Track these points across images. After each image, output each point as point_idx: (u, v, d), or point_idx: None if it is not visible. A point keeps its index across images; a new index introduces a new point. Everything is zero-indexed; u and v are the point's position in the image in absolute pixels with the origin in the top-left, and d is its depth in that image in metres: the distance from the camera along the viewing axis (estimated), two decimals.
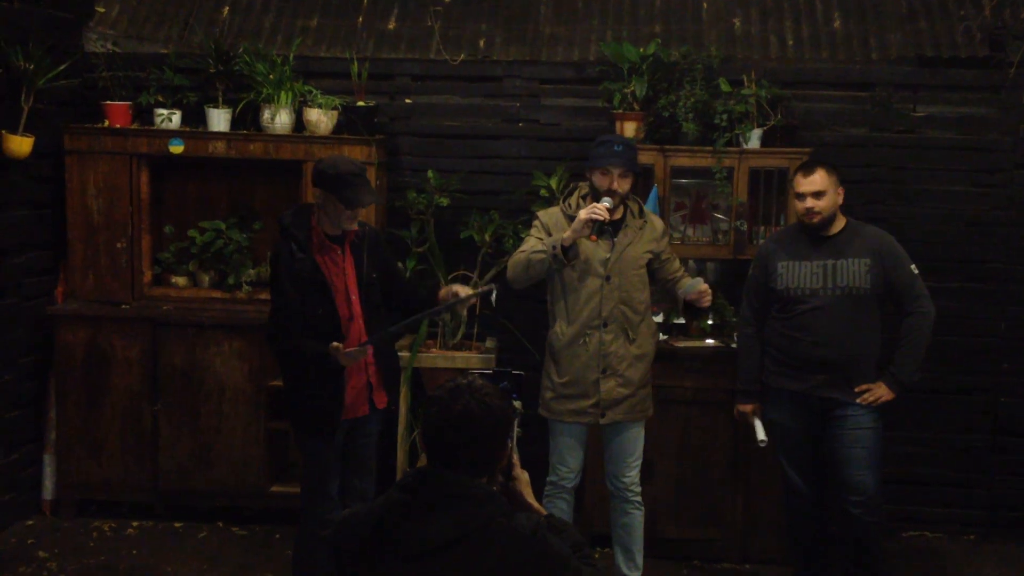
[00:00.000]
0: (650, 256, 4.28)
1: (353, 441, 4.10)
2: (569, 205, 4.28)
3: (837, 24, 5.37)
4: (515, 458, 2.70)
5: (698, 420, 4.95)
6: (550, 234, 4.23)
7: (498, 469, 2.49)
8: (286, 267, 3.88)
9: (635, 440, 4.34)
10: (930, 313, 4.34)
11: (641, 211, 4.31)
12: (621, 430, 4.30)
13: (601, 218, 4.01)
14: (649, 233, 4.28)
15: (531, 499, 2.64)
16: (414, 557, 2.31)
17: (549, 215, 4.31)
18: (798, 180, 4.36)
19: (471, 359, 4.94)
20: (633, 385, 4.25)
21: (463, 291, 4.02)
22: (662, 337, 5.04)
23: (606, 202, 4.07)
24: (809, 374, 4.35)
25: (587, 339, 4.20)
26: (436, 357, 4.97)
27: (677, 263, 4.41)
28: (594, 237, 4.06)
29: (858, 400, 4.30)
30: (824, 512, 4.56)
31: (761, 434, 4.46)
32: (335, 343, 3.83)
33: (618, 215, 4.21)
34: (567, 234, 4.07)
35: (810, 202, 4.29)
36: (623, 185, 4.15)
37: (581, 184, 4.36)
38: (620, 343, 4.21)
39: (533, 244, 4.21)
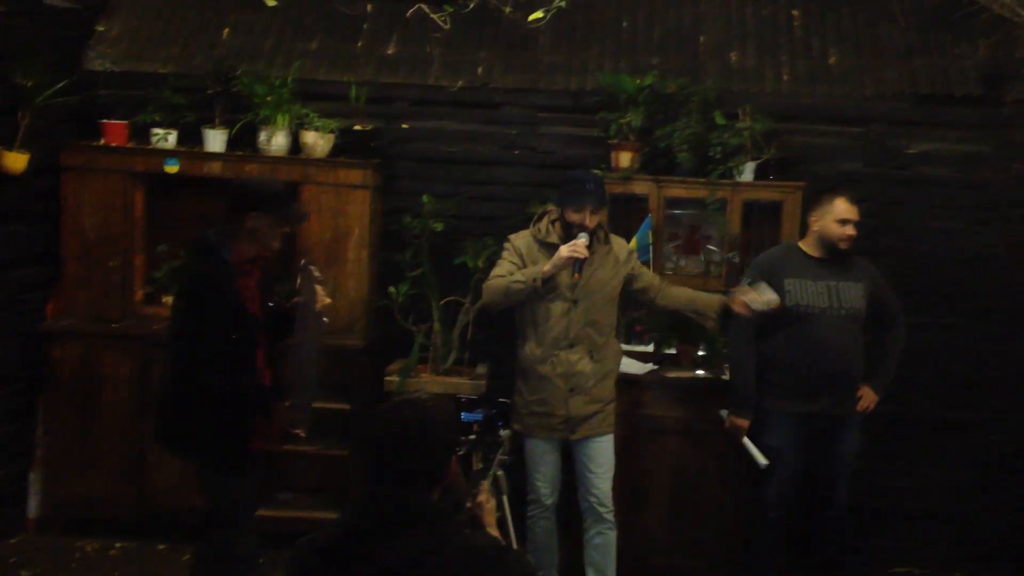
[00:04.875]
0: (620, 280, 4.41)
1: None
2: (539, 230, 4.41)
3: (833, 60, 5.40)
4: (484, 485, 2.73)
5: (689, 450, 4.94)
6: (522, 258, 4.37)
7: (447, 483, 2.49)
8: (218, 293, 3.70)
9: (604, 451, 4.42)
10: (904, 326, 4.73)
11: (607, 237, 4.43)
12: (590, 443, 4.40)
13: (582, 256, 4.17)
14: (614, 258, 4.41)
15: (492, 528, 2.66)
16: None
17: (522, 239, 4.44)
18: (844, 206, 4.50)
19: (462, 385, 4.93)
20: (601, 402, 4.40)
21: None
22: (653, 367, 5.05)
23: (583, 238, 4.21)
24: (821, 394, 4.49)
25: (554, 359, 4.32)
26: (427, 382, 4.96)
27: (648, 270, 4.57)
28: (576, 275, 4.22)
29: (857, 408, 4.56)
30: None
31: (762, 458, 4.51)
32: (285, 403, 3.81)
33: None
34: (547, 268, 4.23)
35: (851, 229, 4.50)
36: (594, 220, 4.29)
37: (550, 208, 4.49)
38: (585, 363, 4.33)
39: (508, 269, 4.35)
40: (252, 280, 3.88)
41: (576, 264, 4.19)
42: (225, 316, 3.72)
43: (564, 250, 4.19)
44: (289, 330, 3.95)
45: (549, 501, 4.46)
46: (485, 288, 4.39)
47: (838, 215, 4.50)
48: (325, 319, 4.02)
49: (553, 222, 4.40)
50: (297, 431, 3.93)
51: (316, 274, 3.91)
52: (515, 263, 4.37)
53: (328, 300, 3.98)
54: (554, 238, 4.35)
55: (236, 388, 3.76)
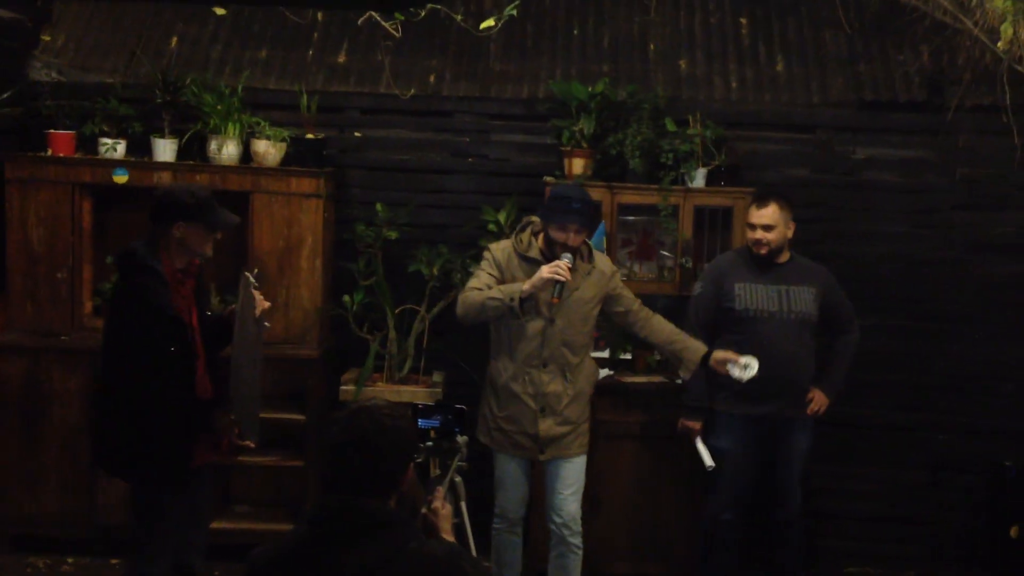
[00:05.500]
0: (599, 301, 4.27)
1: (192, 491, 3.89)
2: (520, 241, 4.26)
3: (780, 67, 5.48)
4: (439, 491, 2.74)
5: (646, 455, 4.97)
6: (501, 270, 4.22)
7: (403, 490, 2.49)
8: (152, 306, 3.62)
9: (574, 473, 4.32)
10: (858, 331, 4.81)
11: (591, 255, 4.29)
12: (560, 464, 4.30)
13: (563, 279, 4.01)
14: (597, 277, 4.26)
15: (447, 535, 2.66)
16: None
17: (500, 249, 4.28)
18: (751, 211, 4.58)
19: (417, 393, 4.91)
20: (571, 424, 4.26)
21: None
22: (609, 372, 5.07)
23: (567, 259, 4.05)
24: (770, 397, 4.53)
25: (526, 378, 4.21)
26: (383, 391, 4.94)
27: (631, 296, 4.38)
28: (556, 299, 4.06)
29: (808, 411, 4.61)
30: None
31: (708, 459, 4.54)
32: (230, 415, 3.73)
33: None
34: (525, 287, 4.05)
35: (759, 234, 4.53)
36: (578, 240, 4.14)
37: (533, 220, 4.32)
38: (557, 383, 4.22)
39: (486, 281, 4.19)
40: (186, 290, 3.79)
41: (556, 287, 4.04)
42: (161, 329, 3.63)
43: (545, 271, 4.02)
44: (228, 338, 3.89)
45: (514, 516, 4.37)
46: (461, 300, 4.21)
47: (747, 220, 4.61)
48: (267, 324, 3.97)
49: (536, 234, 4.25)
50: (246, 442, 3.87)
51: (252, 280, 3.85)
52: (493, 275, 4.21)
53: (267, 304, 3.91)
54: (535, 252, 4.20)
55: (175, 404, 3.65)
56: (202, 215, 3.72)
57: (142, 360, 3.61)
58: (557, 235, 4.12)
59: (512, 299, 4.05)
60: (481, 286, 4.17)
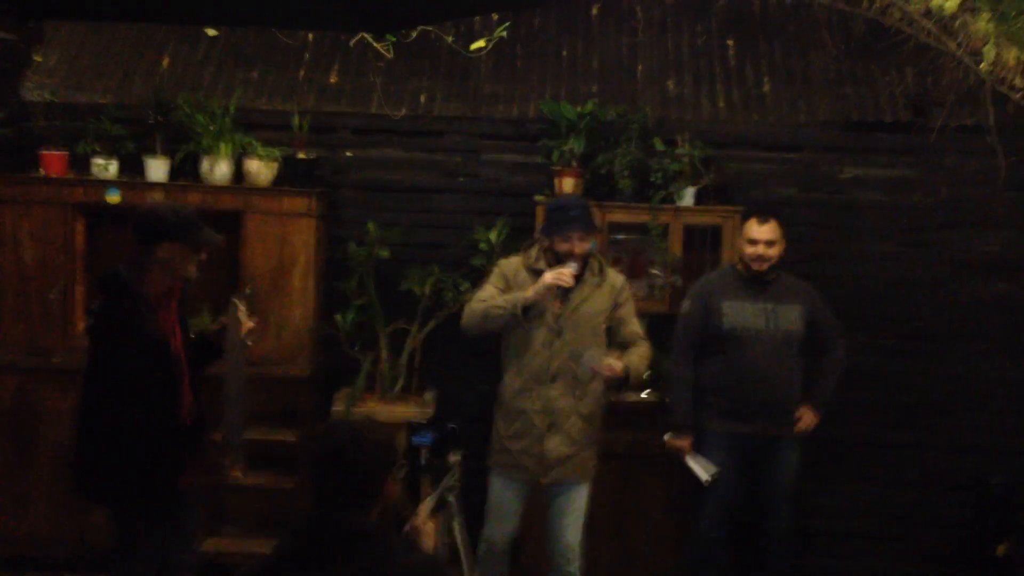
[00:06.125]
0: (606, 314, 4.26)
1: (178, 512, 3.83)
2: (529, 256, 4.25)
3: (767, 88, 5.55)
4: (423, 508, 2.77)
5: (634, 473, 4.99)
6: (508, 283, 4.22)
7: (385, 504, 2.52)
8: (135, 330, 3.55)
9: (575, 500, 4.25)
10: (845, 348, 4.81)
11: (602, 268, 4.28)
12: (563, 489, 4.25)
13: (567, 285, 4.02)
14: (607, 291, 4.25)
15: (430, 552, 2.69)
16: None
17: (510, 264, 4.28)
18: (752, 227, 4.58)
19: (409, 412, 4.92)
20: (578, 445, 4.19)
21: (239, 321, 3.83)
22: None
23: (571, 266, 4.05)
24: (756, 415, 4.55)
25: (533, 393, 4.16)
26: (374, 410, 4.95)
27: (634, 327, 4.33)
28: (558, 302, 4.06)
29: (795, 429, 4.62)
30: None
31: (704, 473, 4.50)
32: (220, 440, 3.71)
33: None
34: (529, 294, 4.05)
35: (762, 249, 4.54)
36: (583, 247, 4.13)
37: (543, 236, 4.31)
38: (567, 400, 4.16)
39: (491, 293, 4.18)
40: (170, 313, 3.73)
41: (557, 292, 4.03)
42: (145, 354, 3.57)
43: (548, 277, 4.00)
44: (210, 357, 3.87)
45: (501, 547, 4.29)
46: (465, 311, 4.20)
47: (747, 236, 4.61)
48: (249, 343, 3.92)
49: (544, 250, 4.22)
50: (234, 472, 3.83)
51: (239, 305, 3.81)
52: (499, 287, 4.19)
53: (251, 324, 3.87)
54: (543, 265, 4.17)
55: (159, 429, 3.60)
56: (186, 234, 3.66)
57: (126, 385, 3.55)
58: (562, 247, 4.12)
59: (515, 306, 4.04)
60: (486, 298, 4.16)
